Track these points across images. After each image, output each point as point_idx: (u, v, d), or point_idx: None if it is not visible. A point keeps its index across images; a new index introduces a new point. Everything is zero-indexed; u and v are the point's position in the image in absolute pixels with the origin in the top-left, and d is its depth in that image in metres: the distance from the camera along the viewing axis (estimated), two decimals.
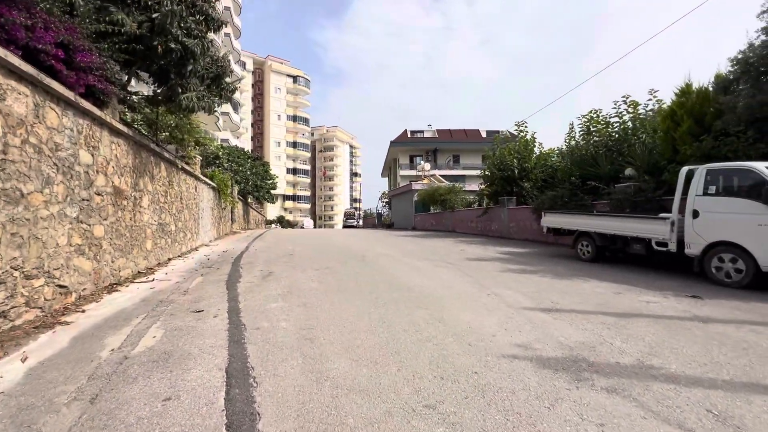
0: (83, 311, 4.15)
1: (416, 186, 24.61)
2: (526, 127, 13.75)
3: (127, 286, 5.41)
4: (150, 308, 4.23)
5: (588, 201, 9.93)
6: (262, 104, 79.42)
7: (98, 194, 5.18)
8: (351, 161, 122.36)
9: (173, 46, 5.78)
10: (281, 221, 60.58)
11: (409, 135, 44.69)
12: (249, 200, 27.45)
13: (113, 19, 5.09)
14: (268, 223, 52.82)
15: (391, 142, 42.89)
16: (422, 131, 45.82)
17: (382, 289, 5.03)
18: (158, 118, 8.67)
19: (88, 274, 4.85)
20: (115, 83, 5.35)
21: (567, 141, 13.12)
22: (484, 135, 45.82)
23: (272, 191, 27.56)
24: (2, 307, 3.43)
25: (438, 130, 45.65)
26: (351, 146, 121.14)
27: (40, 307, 3.93)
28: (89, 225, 4.92)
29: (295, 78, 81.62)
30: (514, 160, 13.34)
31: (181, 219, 9.32)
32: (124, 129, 5.91)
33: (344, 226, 50.44)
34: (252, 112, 78.06)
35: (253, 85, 78.63)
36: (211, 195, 13.37)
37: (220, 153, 21.60)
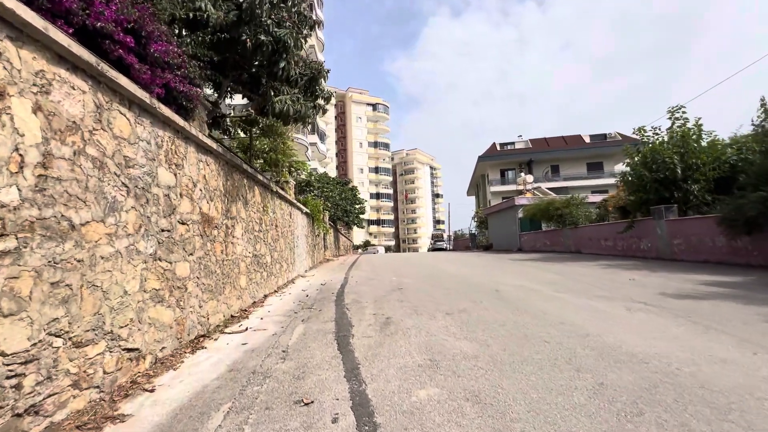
0: (152, 389, 2.88)
1: (520, 201, 21.68)
2: (684, 113, 10.48)
3: (215, 339, 4.19)
4: (238, 389, 2.79)
5: None
6: (344, 134, 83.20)
7: (182, 223, 4.12)
8: (432, 182, 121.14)
9: (264, 38, 4.72)
10: (367, 246, 60.89)
11: (498, 148, 41.60)
12: (338, 226, 27.25)
13: (196, 6, 4.14)
14: (356, 248, 53.34)
15: (479, 157, 40.26)
16: (513, 143, 42.38)
17: (584, 357, 2.98)
18: (251, 139, 7.99)
19: (169, 327, 3.70)
20: (200, 86, 4.42)
21: (757, 123, 9.55)
22: (587, 141, 40.63)
23: (361, 215, 27.03)
24: (31, 398, 2.23)
25: (531, 140, 41.74)
26: (431, 167, 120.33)
27: (97, 387, 2.73)
28: (170, 263, 3.82)
29: (374, 106, 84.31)
30: (674, 157, 10.09)
31: (277, 249, 8.38)
32: (213, 145, 4.94)
33: (432, 249, 48.28)
34: (336, 142, 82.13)
35: (336, 116, 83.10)
36: (305, 222, 12.64)
37: (312, 179, 21.67)
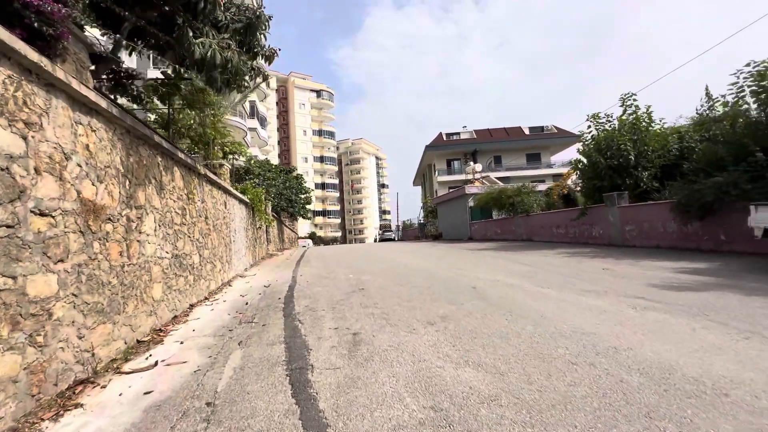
0: None
1: (470, 189, 21.60)
2: (635, 101, 10.59)
3: (104, 385, 2.83)
4: None
5: None
6: (287, 121, 79.31)
7: (41, 214, 2.67)
8: (378, 173, 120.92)
9: None
10: (312, 238, 58.83)
11: (444, 138, 41.86)
12: (282, 217, 25.36)
13: None
14: (300, 239, 51.07)
15: (427, 147, 40.21)
16: (458, 133, 42.92)
17: (639, 389, 2.21)
18: (171, 107, 6.35)
19: (11, 382, 2.29)
20: (74, 8, 2.93)
21: (701, 111, 9.85)
22: (527, 132, 42.39)
23: (307, 206, 25.35)
24: None
25: (476, 131, 42.60)
26: (377, 157, 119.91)
27: None
28: (13, 277, 2.39)
29: (318, 92, 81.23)
30: (628, 143, 10.15)
31: (208, 246, 6.86)
32: (103, 104, 3.44)
33: (381, 240, 47.72)
34: (278, 129, 78.02)
35: (277, 102, 78.80)
36: (243, 213, 11.02)
37: (252, 165, 19.61)
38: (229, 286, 7.54)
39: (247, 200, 11.40)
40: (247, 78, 6.06)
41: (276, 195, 20.77)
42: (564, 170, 39.64)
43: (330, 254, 16.15)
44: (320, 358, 3.05)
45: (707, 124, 9.55)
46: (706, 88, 9.82)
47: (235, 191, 9.63)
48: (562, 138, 40.90)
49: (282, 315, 4.70)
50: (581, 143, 11.95)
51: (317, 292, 6.09)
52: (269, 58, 5.63)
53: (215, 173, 8.02)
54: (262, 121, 41.89)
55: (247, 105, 34.56)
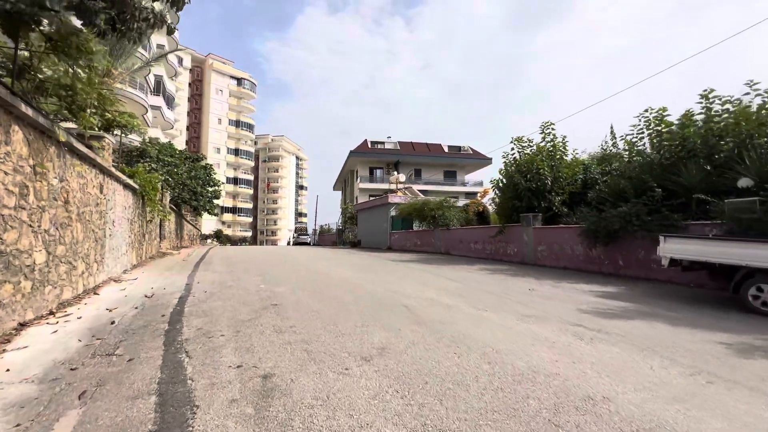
0: None
1: (393, 199, 21.44)
2: (553, 129, 11.37)
3: None
4: None
5: (677, 221, 7.50)
6: (200, 106, 72.13)
7: None
8: (297, 173, 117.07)
9: None
10: (219, 236, 53.77)
11: (369, 145, 41.82)
12: (183, 211, 22.26)
13: None
14: (204, 238, 46.21)
15: (351, 152, 39.64)
16: (383, 142, 43.26)
17: None
18: (17, 45, 4.57)
19: None
20: None
21: (605, 147, 10.89)
22: (446, 150, 44.57)
23: (215, 200, 22.60)
24: None
25: (400, 142, 43.43)
26: (298, 158, 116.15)
27: None
28: None
29: (239, 80, 75.65)
30: (546, 168, 10.78)
31: (65, 240, 5.10)
32: None
33: (295, 243, 45.39)
34: (188, 113, 70.45)
35: (190, 84, 71.33)
36: (130, 201, 8.95)
37: (149, 147, 16.73)
38: (96, 294, 5.76)
39: (136, 186, 9.32)
40: (142, 24, 4.65)
41: (177, 184, 18.01)
42: (476, 189, 42.60)
43: (238, 256, 14.32)
44: (210, 427, 2.03)
45: (610, 159, 10.60)
46: (611, 127, 10.95)
47: (118, 173, 7.67)
48: (476, 159, 43.99)
49: (162, 343, 3.45)
50: (503, 163, 12.47)
51: (217, 308, 4.85)
52: (176, 3, 4.33)
53: (89, 146, 6.17)
54: (169, 101, 36.93)
55: (151, 78, 30.01)
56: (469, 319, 4.43)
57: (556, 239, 10.43)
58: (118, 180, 7.77)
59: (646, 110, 9.34)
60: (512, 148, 11.98)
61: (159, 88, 33.26)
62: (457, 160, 43.35)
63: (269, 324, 4.08)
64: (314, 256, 15.11)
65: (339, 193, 62.40)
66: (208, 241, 45.21)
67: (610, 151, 10.95)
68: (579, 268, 9.78)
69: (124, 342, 3.47)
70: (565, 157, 11.14)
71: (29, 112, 4.04)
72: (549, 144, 11.36)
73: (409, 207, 18.26)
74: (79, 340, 3.53)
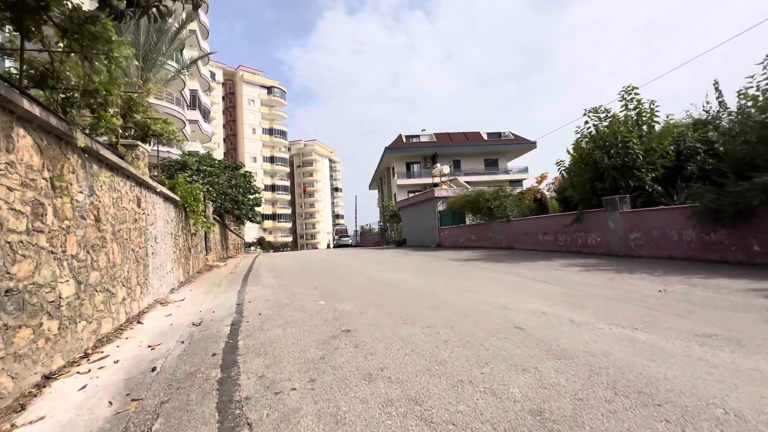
0: None
1: (440, 192, 20.12)
2: (637, 93, 9.55)
3: None
4: None
5: None
6: (234, 117, 74.24)
7: None
8: (331, 176, 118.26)
9: None
10: (262, 244, 54.84)
11: (404, 140, 40.59)
12: (226, 220, 22.20)
13: None
14: (248, 246, 47.14)
15: (386, 148, 38.62)
16: (418, 136, 41.88)
17: None
18: (23, 27, 3.81)
19: None
20: None
21: (707, 109, 8.97)
22: (485, 137, 42.43)
23: (257, 208, 22.36)
24: None
25: (435, 134, 41.82)
26: (330, 160, 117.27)
27: None
28: None
29: (269, 89, 77.05)
30: (635, 140, 9.04)
31: (100, 264, 4.34)
32: None
33: (337, 246, 45.14)
34: (224, 126, 72.77)
35: (224, 97, 73.63)
36: (172, 214, 8.35)
37: (188, 158, 16.54)
38: (139, 323, 5.01)
39: (177, 198, 8.73)
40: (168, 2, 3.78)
41: (219, 194, 17.78)
42: (521, 176, 40.17)
43: (284, 264, 13.65)
44: None
45: (716, 122, 8.68)
46: (716, 83, 8.99)
47: (156, 184, 7.01)
48: (519, 144, 41.46)
49: (215, 407, 2.46)
50: (575, 141, 10.78)
51: (277, 339, 3.87)
52: None
53: (120, 156, 5.45)
54: (206, 114, 37.73)
55: (187, 93, 30.60)
56: (623, 344, 3.12)
57: (656, 224, 8.69)
58: (157, 192, 7.11)
59: None
60: (586, 122, 10.28)
61: (195, 102, 33.97)
62: (498, 147, 41.07)
63: (349, 364, 3.00)
64: (364, 258, 14.14)
65: (375, 192, 61.72)
66: (252, 249, 46.04)
67: (717, 113, 9.00)
68: (690, 257, 8.02)
69: (165, 405, 2.52)
70: (655, 126, 9.29)
71: (36, 111, 3.22)
72: (633, 112, 9.56)
73: (460, 200, 16.86)
74: (110, 403, 2.63)
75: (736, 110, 8.53)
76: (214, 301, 6.38)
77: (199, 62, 36.16)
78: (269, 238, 70.91)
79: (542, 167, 41.84)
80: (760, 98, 7.21)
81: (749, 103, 7.48)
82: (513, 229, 14.08)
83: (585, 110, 10.24)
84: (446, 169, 26.74)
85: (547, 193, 18.83)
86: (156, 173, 9.74)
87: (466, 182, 34.25)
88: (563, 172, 11.74)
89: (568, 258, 9.76)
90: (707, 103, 9.46)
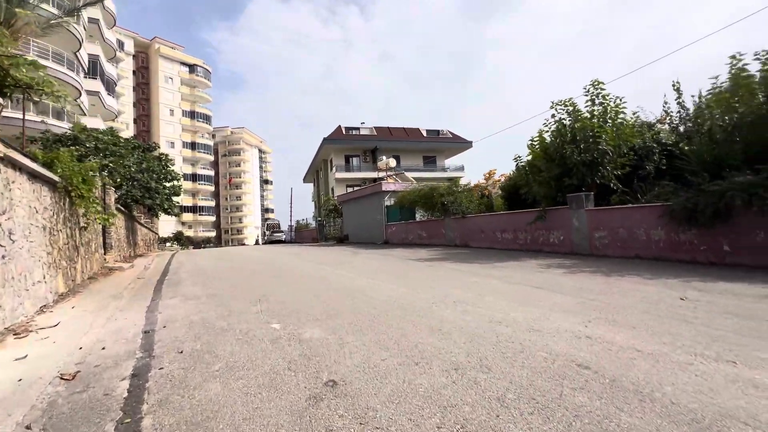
0: None
1: (388, 187, 18.97)
2: (603, 88, 9.31)
3: None
4: None
5: None
6: (149, 96, 65.69)
7: None
8: (261, 167, 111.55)
9: None
10: (180, 239, 49.13)
11: (344, 132, 38.91)
12: (135, 212, 18.64)
13: None
14: (163, 242, 41.63)
15: (325, 139, 36.61)
16: (358, 128, 40.48)
17: None
18: None
19: None
20: None
21: (667, 110, 9.02)
22: (424, 134, 42.52)
23: (174, 197, 19.08)
24: None
25: (376, 128, 40.81)
26: (261, 150, 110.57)
27: None
28: None
29: (191, 67, 69.53)
30: (609, 135, 8.74)
31: None
32: None
33: (269, 242, 41.73)
34: (135, 104, 64.07)
35: (135, 72, 64.80)
36: (47, 200, 5.95)
37: (79, 132, 13.18)
38: None
39: (56, 178, 6.29)
40: None
41: (125, 179, 14.55)
42: (458, 174, 40.97)
43: (211, 265, 11.39)
44: None
45: (678, 122, 8.73)
46: (676, 84, 9.07)
47: (15, 154, 4.70)
48: (457, 143, 42.29)
49: None
50: (538, 134, 10.34)
51: (217, 411, 2.27)
52: None
53: None
54: (110, 86, 31.96)
55: (84, 57, 25.30)
56: (754, 394, 2.17)
57: (623, 222, 8.48)
58: (16, 166, 4.80)
59: (732, 57, 7.52)
60: (553, 115, 9.85)
61: (95, 70, 28.46)
62: (437, 145, 41.45)
63: None
64: (310, 258, 12.42)
65: (310, 186, 59.02)
66: (168, 245, 40.67)
67: (677, 113, 9.11)
68: (658, 256, 7.88)
69: None
70: (623, 123, 9.13)
71: None
72: (599, 107, 9.32)
73: (411, 194, 15.90)
74: None
75: (694, 111, 8.64)
76: (108, 326, 4.38)
77: (103, 24, 30.41)
78: (189, 232, 64.01)
79: (476, 167, 43.25)
80: (723, 103, 7.18)
81: (706, 105, 7.47)
82: (468, 226, 13.49)
83: (552, 103, 9.81)
84: (392, 162, 25.77)
85: (493, 190, 18.83)
86: (22, 144, 7.06)
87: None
88: (524, 167, 11.31)
89: (534, 257, 9.25)
90: (666, 103, 9.63)
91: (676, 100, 8.99)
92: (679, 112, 9.11)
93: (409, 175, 37.47)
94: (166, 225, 57.43)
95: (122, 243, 14.23)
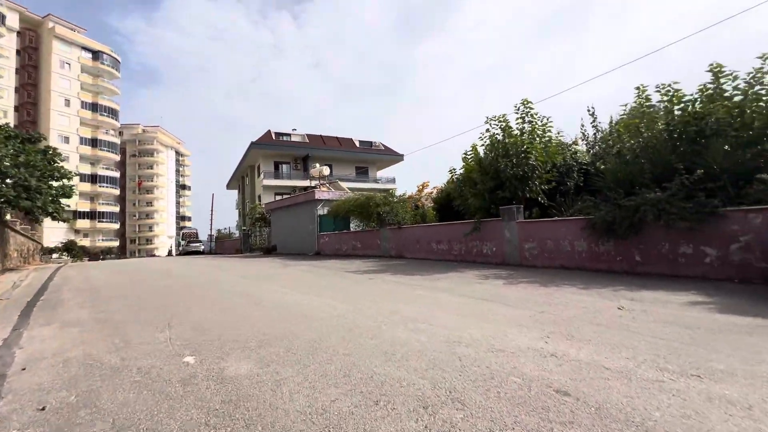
0: None
1: (322, 195, 18.11)
2: (531, 107, 9.86)
3: None
4: None
5: (717, 207, 6.45)
6: (36, 81, 56.43)
7: None
8: (178, 171, 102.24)
9: None
10: (71, 249, 42.26)
11: (274, 137, 37.11)
12: (7, 216, 15.31)
13: None
14: (48, 253, 35.30)
15: (253, 143, 34.50)
16: (289, 134, 38.97)
17: None
18: None
19: None
20: None
21: (584, 132, 9.86)
22: (357, 144, 42.46)
23: (64, 199, 15.99)
24: None
25: (308, 135, 39.69)
26: (178, 153, 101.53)
27: None
28: None
29: (96, 53, 61.51)
30: (539, 151, 9.20)
31: None
32: None
33: (185, 253, 37.57)
34: (17, 90, 54.56)
35: (19, 51, 55.47)
36: None
37: None
38: None
39: None
40: None
41: None
42: (389, 186, 41.50)
43: (107, 279, 9.55)
44: None
45: (593, 143, 9.57)
46: (591, 109, 9.97)
47: None
48: (389, 155, 42.94)
49: None
50: (471, 148, 10.62)
51: None
52: None
53: None
54: None
55: None
56: (741, 417, 2.05)
57: (551, 234, 8.94)
58: None
59: (638, 88, 8.47)
60: (488, 129, 10.18)
61: None
62: (369, 156, 41.63)
63: None
64: (234, 271, 11.13)
65: (233, 193, 55.21)
66: (55, 256, 34.47)
67: (593, 135, 10.01)
68: (581, 266, 8.41)
69: None
70: (551, 140, 9.76)
71: None
72: (528, 125, 9.86)
73: (347, 203, 15.34)
74: None
75: (607, 134, 9.54)
76: None
77: None
78: (84, 242, 55.34)
79: (406, 180, 44.36)
80: (630, 129, 8.01)
81: (615, 130, 8.29)
82: (404, 236, 13.34)
83: (487, 118, 10.15)
84: (326, 170, 24.96)
85: (425, 202, 19.15)
86: None
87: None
88: (458, 179, 11.53)
89: (470, 268, 9.32)
90: (582, 126, 10.56)
91: (591, 123, 9.93)
92: (594, 134, 10.08)
93: (342, 185, 36.96)
94: (55, 232, 49.01)
95: None
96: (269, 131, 37.60)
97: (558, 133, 10.16)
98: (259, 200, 35.91)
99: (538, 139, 9.89)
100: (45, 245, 37.81)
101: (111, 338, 3.90)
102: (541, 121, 9.87)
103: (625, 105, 8.83)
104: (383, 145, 43.64)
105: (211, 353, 3.30)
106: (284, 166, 37.79)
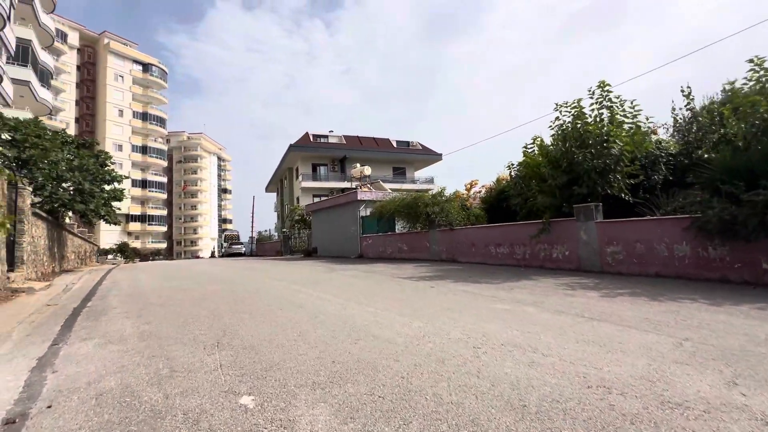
0: None
1: (364, 195, 17.49)
2: (610, 90, 8.56)
3: None
4: None
5: None
6: (94, 94, 60.40)
7: None
8: (220, 176, 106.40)
9: None
10: (124, 251, 44.45)
11: (312, 139, 37.19)
12: (66, 219, 15.85)
13: None
14: (103, 254, 37.33)
15: (291, 146, 34.68)
16: (326, 136, 38.94)
17: None
18: None
19: None
20: None
21: (676, 116, 8.40)
22: (394, 145, 41.75)
23: (115, 203, 16.41)
24: None
25: (345, 137, 39.46)
26: (220, 158, 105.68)
27: None
28: None
29: (146, 66, 65.08)
30: (625, 139, 7.93)
31: None
32: None
33: (227, 255, 38.53)
34: (78, 102, 58.67)
35: (79, 67, 59.59)
36: None
37: None
38: None
39: None
40: None
41: (50, 179, 12.04)
42: (428, 186, 40.41)
43: (154, 284, 9.31)
44: None
45: (691, 128, 8.12)
46: (686, 89, 8.51)
47: None
48: (426, 155, 41.88)
49: None
50: (533, 140, 9.44)
51: None
52: None
53: None
54: (44, 76, 28.21)
55: (11, 39, 21.91)
56: None
57: (641, 236, 7.62)
58: None
59: (751, 60, 6.99)
60: (557, 117, 8.98)
61: (26, 57, 24.93)
62: (407, 156, 40.77)
63: None
64: (277, 275, 10.65)
65: (273, 196, 56.24)
66: (110, 257, 36.38)
67: (688, 119, 8.55)
68: (683, 274, 7.04)
69: None
70: (640, 127, 8.37)
71: None
72: (605, 111, 8.55)
73: (393, 204, 14.54)
74: None
75: (706, 117, 8.07)
76: None
77: (38, 6, 26.94)
78: (135, 244, 58.55)
79: (443, 180, 43.08)
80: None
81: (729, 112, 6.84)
82: (457, 239, 12.31)
83: (557, 104, 8.95)
84: (367, 170, 24.36)
85: (473, 202, 17.98)
86: None
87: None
88: (516, 175, 10.37)
89: (542, 275, 8.17)
90: (673, 110, 9.09)
91: (686, 106, 8.45)
92: (690, 119, 8.58)
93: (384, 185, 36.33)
94: (110, 235, 52.16)
95: (42, 256, 11.64)
96: (307, 133, 37.74)
97: (647, 119, 8.68)
98: (297, 202, 36.08)
99: (634, 124, 8.50)
100: (101, 247, 40.09)
101: (153, 361, 3.28)
102: (625, 106, 8.51)
103: (732, 83, 7.37)
104: (421, 145, 42.64)
105: (273, 391, 2.55)
106: (322, 168, 37.77)
